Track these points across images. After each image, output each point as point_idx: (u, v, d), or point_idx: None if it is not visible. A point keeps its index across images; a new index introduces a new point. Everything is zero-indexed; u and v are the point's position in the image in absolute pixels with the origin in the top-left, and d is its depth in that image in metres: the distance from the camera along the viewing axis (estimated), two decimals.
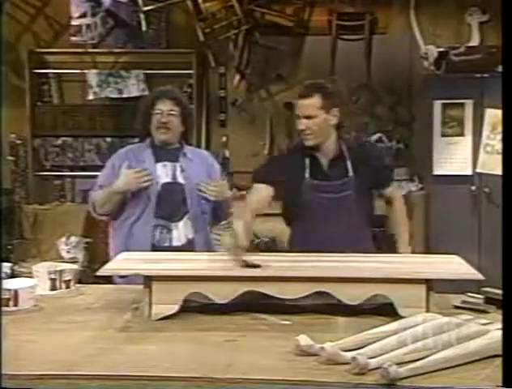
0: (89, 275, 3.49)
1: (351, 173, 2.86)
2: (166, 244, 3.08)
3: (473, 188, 4.85)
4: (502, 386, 1.58)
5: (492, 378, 1.65)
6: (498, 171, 4.46)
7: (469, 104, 4.84)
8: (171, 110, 3.16)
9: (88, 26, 5.24)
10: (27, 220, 5.35)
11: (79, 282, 2.70)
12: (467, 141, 4.87)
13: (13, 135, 5.44)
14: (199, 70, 5.42)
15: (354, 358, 1.70)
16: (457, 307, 2.32)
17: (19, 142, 5.46)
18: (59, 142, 5.48)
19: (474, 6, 5.25)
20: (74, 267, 2.77)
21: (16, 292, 2.31)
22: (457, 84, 4.80)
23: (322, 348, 1.77)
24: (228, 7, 5.07)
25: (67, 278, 2.62)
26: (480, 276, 2.20)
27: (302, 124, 2.82)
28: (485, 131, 4.81)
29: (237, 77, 5.38)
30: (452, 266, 2.37)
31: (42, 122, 5.45)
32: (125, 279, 2.79)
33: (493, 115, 4.73)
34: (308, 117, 2.80)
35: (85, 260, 5.09)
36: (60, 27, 5.49)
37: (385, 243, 3.05)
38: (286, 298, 2.22)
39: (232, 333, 2.05)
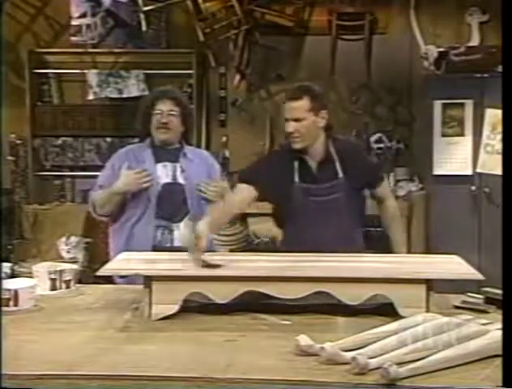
0: (89, 275, 3.49)
1: (340, 175, 2.83)
2: (167, 245, 3.08)
3: (473, 188, 4.85)
4: (502, 386, 1.58)
5: (492, 378, 1.65)
6: (498, 171, 4.46)
7: (469, 104, 4.84)
8: (171, 110, 3.16)
9: (88, 26, 5.24)
10: (27, 220, 5.35)
11: (79, 282, 2.70)
12: (467, 141, 4.87)
13: (13, 135, 5.44)
14: (199, 70, 5.42)
15: (354, 358, 1.70)
16: (457, 307, 2.32)
17: (19, 142, 5.46)
18: (59, 142, 5.48)
19: (474, 6, 5.25)
20: (74, 267, 2.77)
21: (16, 292, 2.31)
22: (457, 84, 4.80)
23: (322, 348, 1.77)
24: (228, 7, 5.07)
25: (67, 278, 2.62)
26: (480, 276, 2.20)
27: (291, 127, 2.79)
28: (485, 131, 4.81)
29: (237, 77, 5.38)
30: (452, 266, 2.37)
31: (42, 122, 5.46)
32: (126, 279, 2.79)
33: (493, 115, 4.73)
34: (296, 120, 2.78)
35: (85, 260, 5.09)
36: (60, 27, 5.49)
37: (382, 243, 3.02)
38: (286, 298, 2.22)
39: (232, 333, 2.05)
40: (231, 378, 1.69)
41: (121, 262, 2.45)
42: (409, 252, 4.72)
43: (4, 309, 2.18)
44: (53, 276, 2.59)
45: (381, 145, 5.39)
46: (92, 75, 5.39)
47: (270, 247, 4.84)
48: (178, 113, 3.18)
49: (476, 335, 1.82)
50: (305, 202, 2.81)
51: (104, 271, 2.32)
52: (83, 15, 5.21)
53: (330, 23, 5.33)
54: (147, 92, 5.09)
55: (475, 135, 4.85)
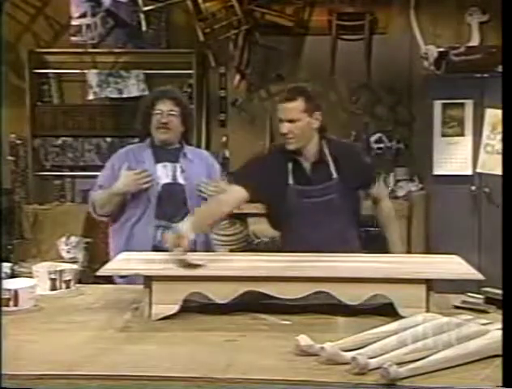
0: (89, 275, 3.49)
1: (334, 176, 2.82)
2: (168, 245, 3.08)
3: (473, 188, 4.85)
4: (502, 386, 1.58)
5: (492, 378, 1.65)
6: (498, 171, 4.46)
7: (469, 104, 4.84)
8: (171, 110, 3.16)
9: (88, 26, 5.24)
10: (27, 220, 5.35)
11: (79, 282, 2.70)
12: (467, 141, 4.87)
13: (13, 135, 5.44)
14: (199, 70, 5.42)
15: (354, 358, 1.70)
16: (457, 307, 2.32)
17: (19, 142, 5.46)
18: (59, 142, 5.48)
19: (474, 6, 5.24)
20: (74, 267, 2.77)
21: (16, 292, 2.31)
22: (457, 84, 4.80)
23: (322, 348, 1.77)
24: (228, 7, 5.07)
25: (67, 278, 2.62)
26: (480, 276, 2.20)
27: (285, 128, 2.78)
28: (485, 131, 4.81)
29: (237, 77, 5.38)
30: (452, 266, 2.37)
31: (42, 122, 5.45)
32: (126, 279, 2.79)
33: (493, 115, 4.73)
34: (291, 121, 2.77)
35: (85, 260, 5.09)
36: (60, 27, 5.49)
37: (379, 243, 3.02)
38: (286, 298, 2.22)
39: (232, 333, 2.05)
40: (231, 378, 1.69)
41: (121, 262, 2.45)
42: (409, 252, 4.79)
43: (4, 309, 2.18)
44: (53, 276, 2.59)
45: (381, 145, 5.39)
46: (92, 75, 5.39)
47: (270, 247, 4.84)
48: (178, 113, 3.18)
49: (476, 335, 1.82)
50: (299, 203, 2.81)
51: (104, 271, 2.32)
52: (83, 15, 5.21)
53: (330, 23, 5.32)
54: (147, 92, 5.09)
55: (475, 135, 4.85)
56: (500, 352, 1.70)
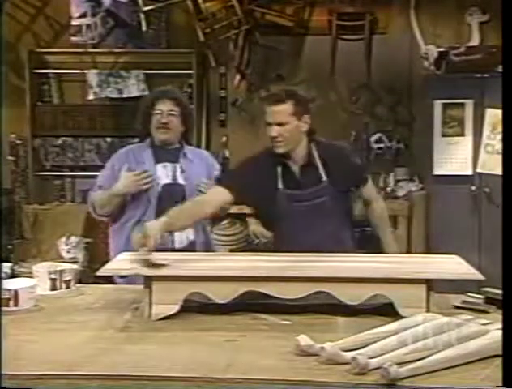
0: (89, 275, 3.49)
1: (324, 179, 2.81)
2: (168, 246, 3.08)
3: (473, 188, 4.85)
4: (502, 386, 1.58)
5: (492, 378, 1.65)
6: (498, 171, 4.45)
7: (469, 104, 4.84)
8: (171, 110, 3.16)
9: (88, 26, 5.24)
10: (27, 220, 5.35)
11: (79, 282, 2.70)
12: (467, 141, 4.87)
13: (13, 135, 5.44)
14: (199, 70, 5.42)
15: (354, 358, 1.70)
16: (457, 307, 2.32)
17: (19, 142, 5.46)
18: (59, 142, 5.48)
19: (474, 6, 5.24)
20: (75, 267, 2.77)
21: (16, 292, 2.31)
22: (457, 84, 4.80)
23: (322, 348, 1.77)
24: (228, 7, 5.07)
25: (67, 278, 2.62)
26: (480, 276, 2.20)
27: (274, 131, 2.76)
28: (486, 131, 4.81)
29: (238, 77, 5.38)
30: (452, 266, 2.37)
31: (42, 122, 5.45)
32: (126, 279, 2.79)
33: (494, 115, 4.72)
34: (280, 124, 2.75)
35: (85, 260, 5.09)
36: (60, 27, 5.49)
37: (376, 243, 3.02)
38: (286, 298, 2.22)
39: (232, 333, 2.05)
40: (231, 378, 1.69)
41: (121, 262, 2.45)
42: (409, 252, 4.80)
43: (4, 309, 2.18)
44: (53, 276, 2.59)
45: (381, 145, 5.39)
46: (92, 75, 5.39)
47: (270, 247, 4.83)
48: (178, 113, 3.18)
49: (476, 335, 1.82)
50: (289, 207, 2.80)
51: (104, 271, 2.32)
52: (83, 15, 5.21)
53: (330, 23, 5.32)
54: (147, 92, 5.09)
55: (476, 135, 4.84)
56: (500, 352, 1.70)
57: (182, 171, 3.17)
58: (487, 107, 4.77)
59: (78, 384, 1.71)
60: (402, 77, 5.35)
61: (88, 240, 5.17)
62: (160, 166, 3.17)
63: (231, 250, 4.88)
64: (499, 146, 4.66)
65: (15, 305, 2.29)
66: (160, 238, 2.44)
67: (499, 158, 4.56)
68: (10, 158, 5.44)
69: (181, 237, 3.12)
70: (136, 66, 5.42)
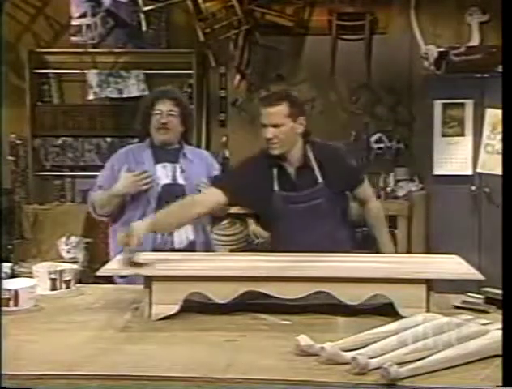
0: (89, 275, 3.49)
1: (319, 181, 2.81)
2: (167, 246, 3.08)
3: (473, 188, 4.85)
4: (502, 385, 1.58)
5: (492, 378, 1.65)
6: (498, 171, 4.45)
7: (469, 104, 4.84)
8: (170, 111, 3.16)
9: (88, 26, 5.23)
10: (27, 220, 5.35)
11: (79, 282, 2.70)
12: (467, 141, 4.87)
13: (13, 135, 5.44)
14: (199, 70, 5.42)
15: (354, 358, 1.70)
16: (457, 307, 2.32)
17: (19, 142, 5.45)
18: (59, 142, 5.48)
19: (474, 6, 5.24)
20: (75, 267, 2.77)
21: (16, 292, 2.31)
22: (457, 84, 4.79)
23: (322, 348, 1.77)
24: (228, 7, 5.07)
25: (67, 278, 2.62)
26: (480, 276, 2.20)
27: (269, 132, 2.76)
28: (486, 131, 4.81)
29: (238, 77, 5.38)
30: (452, 266, 2.37)
31: (42, 122, 5.45)
32: (126, 279, 2.79)
33: (494, 115, 4.72)
34: (275, 126, 2.75)
35: (85, 260, 5.09)
36: (60, 27, 5.48)
37: (373, 243, 3.03)
38: (286, 298, 2.22)
39: (232, 333, 2.05)
40: (231, 378, 1.69)
41: (121, 263, 2.45)
42: (409, 252, 4.80)
43: (4, 309, 2.18)
44: (53, 276, 2.59)
45: (381, 145, 5.39)
46: (92, 75, 5.39)
47: (268, 248, 4.84)
48: (178, 114, 3.18)
49: (476, 335, 1.82)
50: (285, 209, 2.80)
51: (104, 271, 2.32)
52: (83, 15, 5.21)
53: (330, 23, 5.32)
54: (147, 92, 5.09)
55: (476, 135, 4.84)
56: (500, 352, 1.70)
57: (182, 171, 3.17)
58: (487, 107, 4.77)
59: (78, 384, 1.71)
60: (402, 77, 5.35)
61: (88, 240, 5.16)
62: (159, 166, 3.17)
63: (231, 250, 4.88)
64: (499, 146, 4.65)
65: (15, 305, 2.29)
66: (164, 236, 2.44)
67: (499, 158, 4.56)
68: (10, 158, 5.44)
69: (180, 238, 3.12)
70: (136, 66, 5.42)
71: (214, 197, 2.78)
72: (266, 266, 2.35)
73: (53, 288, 2.58)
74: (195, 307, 2.27)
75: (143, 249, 2.93)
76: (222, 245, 4.88)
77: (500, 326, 1.82)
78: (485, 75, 4.74)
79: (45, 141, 5.47)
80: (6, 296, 2.27)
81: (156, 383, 1.69)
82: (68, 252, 5.10)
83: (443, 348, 1.75)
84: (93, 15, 5.19)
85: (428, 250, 4.71)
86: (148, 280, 2.24)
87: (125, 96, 5.37)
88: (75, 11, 5.22)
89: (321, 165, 2.83)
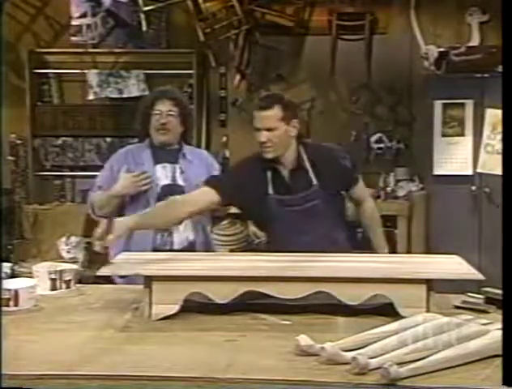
0: (89, 275, 3.49)
1: (314, 183, 2.80)
2: (167, 247, 3.08)
3: (473, 188, 4.85)
4: (502, 385, 1.58)
5: (492, 378, 1.65)
6: (499, 171, 4.45)
7: (469, 104, 4.84)
8: (170, 111, 3.15)
9: (88, 26, 5.24)
10: (27, 220, 5.36)
11: (79, 282, 2.70)
12: (467, 141, 4.87)
13: (13, 135, 5.44)
14: (200, 70, 5.42)
15: (354, 358, 1.70)
16: (457, 307, 2.31)
17: (19, 142, 5.46)
18: (59, 142, 5.48)
19: (474, 6, 5.24)
20: (75, 267, 2.77)
21: (16, 292, 2.30)
22: (457, 84, 4.80)
23: (323, 348, 1.77)
24: (228, 7, 5.07)
25: (67, 278, 2.61)
26: (480, 276, 2.20)
27: (263, 136, 2.74)
28: (486, 131, 4.81)
29: (238, 77, 5.38)
30: (452, 266, 2.37)
31: (42, 122, 5.46)
32: (125, 279, 2.79)
33: (494, 115, 4.72)
34: (269, 130, 2.74)
35: (85, 260, 5.09)
36: (60, 27, 5.49)
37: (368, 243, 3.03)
38: (286, 298, 2.22)
39: (232, 333, 2.05)
40: (231, 378, 1.69)
41: (121, 262, 2.45)
42: (409, 252, 4.80)
43: (4, 309, 2.18)
44: (53, 276, 2.58)
45: (382, 145, 5.39)
46: (92, 75, 5.39)
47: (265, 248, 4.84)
48: (177, 114, 3.17)
49: (477, 335, 1.82)
50: (280, 212, 2.79)
51: (104, 271, 2.32)
52: (84, 15, 5.21)
53: (330, 23, 5.32)
54: (147, 92, 5.09)
55: (476, 135, 4.84)
56: (500, 353, 1.70)
57: (182, 172, 3.17)
58: (487, 107, 4.77)
59: (78, 384, 1.71)
60: (402, 77, 5.35)
61: (88, 240, 5.15)
62: (159, 167, 3.17)
63: (231, 250, 4.88)
64: (499, 146, 4.65)
65: (15, 305, 2.29)
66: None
67: (499, 158, 4.56)
68: (10, 158, 5.44)
69: (180, 238, 3.12)
70: (136, 66, 5.42)
71: (206, 196, 2.77)
72: (266, 266, 2.35)
73: (53, 288, 2.58)
74: (195, 307, 2.27)
75: (143, 249, 2.95)
76: (222, 245, 4.88)
77: (500, 326, 1.82)
78: (485, 75, 4.74)
79: (45, 141, 5.47)
80: (6, 296, 2.27)
81: (156, 383, 1.69)
82: (68, 252, 5.10)
83: (443, 348, 1.75)
84: (93, 15, 5.20)
85: (428, 250, 4.71)
86: (148, 280, 2.23)
87: (125, 96, 5.37)
88: (75, 11, 5.22)
89: (315, 167, 2.82)
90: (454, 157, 4.89)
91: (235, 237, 5.07)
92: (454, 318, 1.93)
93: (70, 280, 2.62)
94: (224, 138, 5.55)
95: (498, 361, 1.71)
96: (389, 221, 4.83)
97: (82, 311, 2.34)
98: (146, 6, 5.04)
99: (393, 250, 4.62)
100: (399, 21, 5.38)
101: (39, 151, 5.47)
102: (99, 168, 3.58)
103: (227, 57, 5.37)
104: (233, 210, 3.20)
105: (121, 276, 2.83)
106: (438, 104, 4.89)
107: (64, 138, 5.48)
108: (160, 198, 3.08)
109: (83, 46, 5.37)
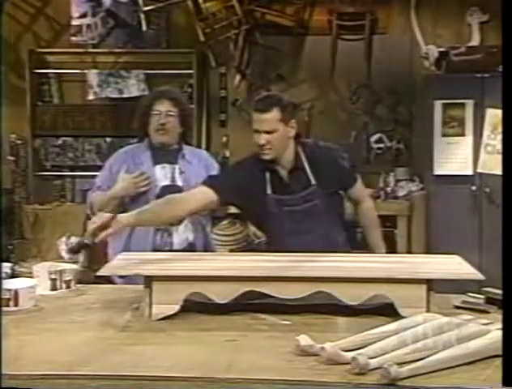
0: (89, 275, 3.49)
1: (312, 182, 2.80)
2: (167, 248, 3.07)
3: (474, 188, 4.85)
4: (502, 386, 1.58)
5: (492, 379, 1.65)
6: (499, 171, 4.45)
7: (470, 104, 4.84)
8: (169, 111, 3.14)
9: (89, 26, 5.24)
10: (28, 220, 5.36)
11: (79, 282, 2.70)
12: (467, 141, 4.87)
13: (13, 135, 5.45)
14: (200, 70, 5.42)
15: (354, 358, 1.70)
16: (457, 307, 2.31)
17: (19, 142, 5.46)
18: (59, 142, 5.49)
19: (474, 6, 5.25)
20: (75, 267, 2.77)
21: (16, 292, 2.30)
22: (457, 84, 4.80)
23: (323, 348, 1.77)
24: (228, 7, 5.07)
25: (67, 278, 2.61)
26: (480, 276, 2.20)
27: (262, 138, 2.73)
28: (486, 131, 4.81)
29: (238, 77, 5.38)
30: (452, 266, 2.37)
31: (42, 122, 5.46)
32: (125, 279, 2.79)
33: (494, 115, 4.72)
34: (268, 132, 2.73)
35: (85, 260, 5.08)
36: (60, 27, 5.49)
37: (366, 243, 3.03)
38: (286, 298, 2.22)
39: (232, 333, 2.05)
40: (231, 378, 1.69)
41: (120, 262, 2.45)
42: (409, 252, 4.80)
43: (4, 309, 2.17)
44: (53, 276, 2.58)
45: (382, 145, 5.39)
46: (93, 75, 5.39)
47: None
48: (177, 114, 3.16)
49: (477, 336, 1.81)
50: (279, 212, 2.79)
51: (104, 271, 2.32)
52: (84, 15, 5.22)
53: (330, 23, 5.32)
54: (147, 92, 5.09)
55: (476, 135, 4.85)
56: (500, 353, 1.70)
57: (181, 172, 3.16)
58: (487, 107, 4.77)
59: (78, 384, 1.70)
60: (402, 77, 5.35)
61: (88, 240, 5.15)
62: (158, 167, 3.16)
63: (231, 250, 4.88)
64: (499, 146, 4.65)
65: (15, 305, 2.29)
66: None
67: (499, 158, 4.55)
68: (10, 158, 5.44)
69: (180, 239, 3.11)
70: (136, 66, 5.42)
71: (204, 195, 2.76)
72: (266, 266, 2.34)
73: (53, 288, 2.58)
74: (195, 307, 2.27)
75: (143, 250, 2.95)
76: (222, 245, 4.88)
77: (500, 326, 1.82)
78: (485, 75, 4.74)
79: (45, 141, 5.48)
80: (6, 296, 2.26)
81: (156, 383, 1.69)
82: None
83: (443, 348, 1.75)
84: (93, 15, 5.20)
85: (429, 250, 4.71)
86: (148, 280, 2.23)
87: (125, 96, 5.38)
88: (75, 11, 5.23)
89: (313, 166, 2.82)
90: (455, 157, 4.89)
91: (235, 237, 5.07)
92: (454, 318, 1.93)
93: (70, 280, 2.62)
94: (224, 139, 5.55)
95: (498, 362, 1.70)
96: (389, 221, 4.83)
97: (82, 311, 2.34)
98: (146, 6, 5.05)
99: (393, 250, 4.63)
100: (399, 21, 5.39)
101: (39, 151, 5.48)
102: (99, 168, 3.58)
103: (227, 57, 5.38)
104: (233, 210, 3.21)
105: (121, 276, 2.82)
106: (438, 104, 4.89)
107: (64, 138, 5.48)
108: (159, 199, 3.07)
109: (83, 46, 5.38)
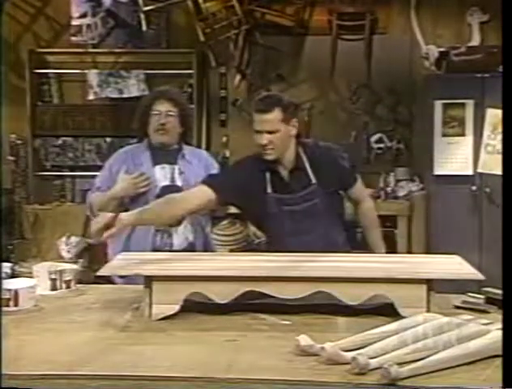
0: (89, 275, 3.49)
1: (313, 182, 2.80)
2: (167, 248, 3.07)
3: (474, 188, 4.85)
4: (502, 386, 1.58)
5: (492, 379, 1.65)
6: (499, 171, 4.45)
7: (470, 104, 4.84)
8: (169, 111, 3.13)
9: (89, 26, 5.24)
10: (28, 220, 5.36)
11: (79, 282, 2.70)
12: (467, 141, 4.87)
13: (13, 135, 5.45)
14: (200, 70, 5.42)
15: (354, 358, 1.70)
16: (457, 307, 2.31)
17: (19, 142, 5.46)
18: (59, 142, 5.49)
19: (474, 6, 5.25)
20: (75, 267, 2.77)
21: (16, 292, 2.30)
22: (458, 84, 4.80)
23: (323, 348, 1.77)
24: (228, 7, 5.07)
25: (67, 278, 2.61)
26: (480, 276, 2.20)
27: (264, 139, 2.73)
28: (486, 131, 4.81)
29: (238, 77, 5.38)
30: (452, 266, 2.37)
31: (42, 122, 5.46)
32: (125, 279, 2.79)
33: (494, 115, 4.72)
34: (270, 132, 2.73)
35: (85, 260, 5.09)
36: (60, 27, 5.49)
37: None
38: (286, 298, 2.22)
39: (232, 333, 2.05)
40: (231, 378, 1.69)
41: (120, 262, 2.45)
42: (409, 252, 4.80)
43: (4, 309, 2.17)
44: (53, 276, 2.58)
45: (382, 145, 5.39)
46: (93, 75, 5.39)
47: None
48: (176, 114, 3.15)
49: (477, 335, 1.81)
50: (279, 212, 2.79)
51: (104, 271, 2.32)
52: (84, 15, 5.22)
53: (330, 23, 5.32)
54: (147, 92, 5.09)
55: (476, 135, 4.85)
56: (500, 353, 1.70)
57: (180, 172, 3.15)
58: (487, 107, 4.77)
59: (78, 384, 1.70)
60: (402, 77, 5.36)
61: (88, 240, 5.16)
62: (158, 168, 3.16)
63: (231, 250, 4.88)
64: (499, 146, 4.65)
65: (15, 305, 2.29)
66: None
67: (499, 158, 4.55)
68: (10, 158, 5.44)
69: (180, 239, 3.11)
70: (136, 66, 5.42)
71: (203, 194, 2.75)
72: (266, 266, 2.34)
73: (54, 288, 2.58)
74: (195, 307, 2.27)
75: (143, 250, 2.95)
76: (222, 245, 4.88)
77: (500, 326, 1.82)
78: (486, 75, 4.74)
79: (45, 141, 5.48)
80: (6, 296, 2.26)
81: (156, 383, 1.69)
82: (68, 252, 5.10)
83: (443, 348, 1.75)
84: (93, 15, 5.21)
85: (429, 250, 4.71)
86: (148, 280, 2.23)
87: (125, 96, 5.38)
88: (75, 11, 5.23)
89: (314, 166, 2.82)
90: (455, 157, 4.89)
91: (235, 237, 5.07)
92: (454, 318, 1.93)
93: (70, 280, 2.62)
94: (224, 138, 5.55)
95: (498, 362, 1.71)
96: (389, 221, 4.83)
97: (82, 311, 2.34)
98: (146, 6, 5.05)
99: (393, 249, 4.63)
100: (399, 21, 5.39)
101: (39, 151, 5.48)
102: (99, 168, 3.58)
103: (227, 57, 5.38)
104: (233, 210, 3.20)
105: (121, 276, 2.82)
106: (438, 104, 4.89)
107: (64, 138, 5.48)
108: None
109: (83, 46, 5.38)
